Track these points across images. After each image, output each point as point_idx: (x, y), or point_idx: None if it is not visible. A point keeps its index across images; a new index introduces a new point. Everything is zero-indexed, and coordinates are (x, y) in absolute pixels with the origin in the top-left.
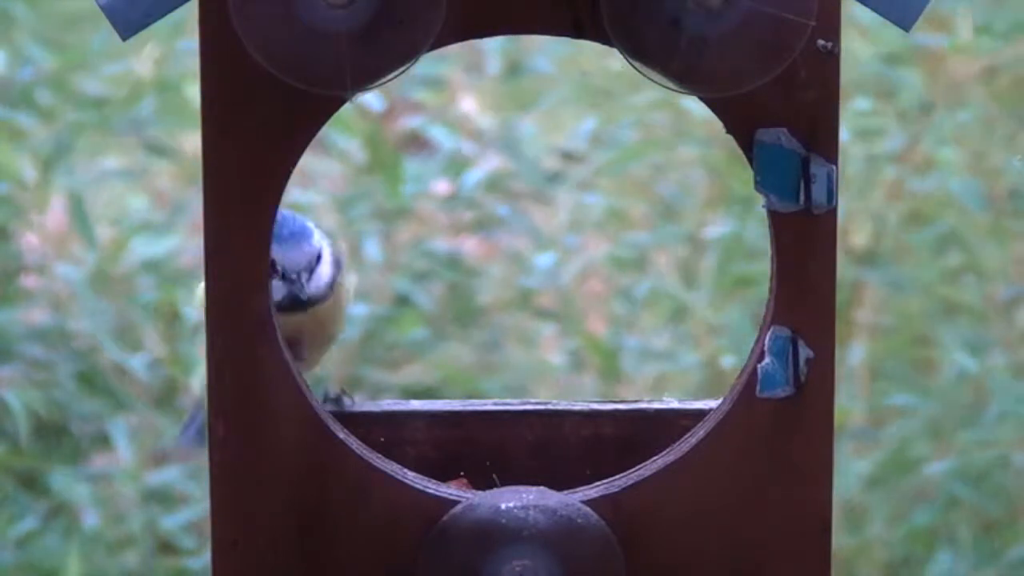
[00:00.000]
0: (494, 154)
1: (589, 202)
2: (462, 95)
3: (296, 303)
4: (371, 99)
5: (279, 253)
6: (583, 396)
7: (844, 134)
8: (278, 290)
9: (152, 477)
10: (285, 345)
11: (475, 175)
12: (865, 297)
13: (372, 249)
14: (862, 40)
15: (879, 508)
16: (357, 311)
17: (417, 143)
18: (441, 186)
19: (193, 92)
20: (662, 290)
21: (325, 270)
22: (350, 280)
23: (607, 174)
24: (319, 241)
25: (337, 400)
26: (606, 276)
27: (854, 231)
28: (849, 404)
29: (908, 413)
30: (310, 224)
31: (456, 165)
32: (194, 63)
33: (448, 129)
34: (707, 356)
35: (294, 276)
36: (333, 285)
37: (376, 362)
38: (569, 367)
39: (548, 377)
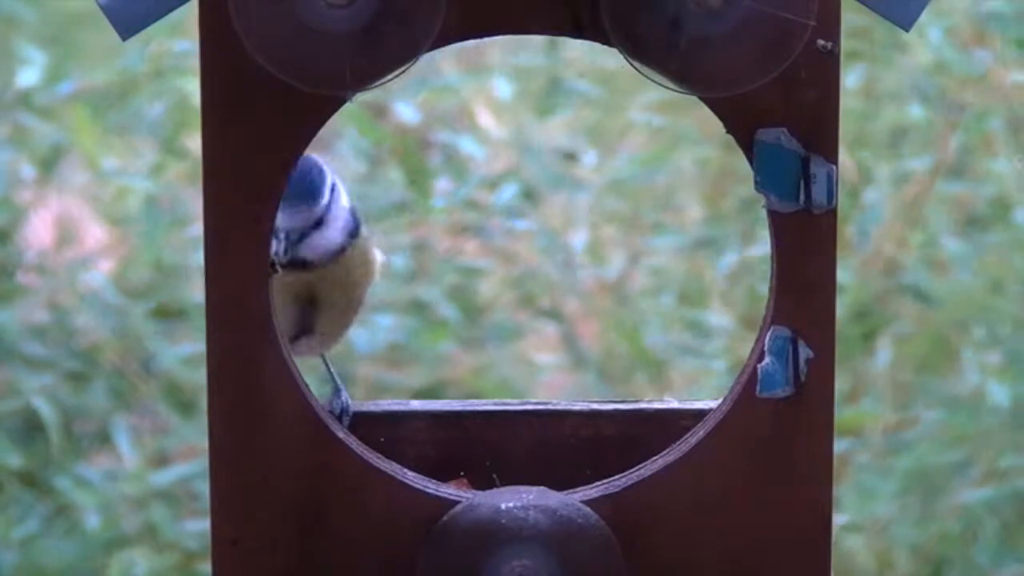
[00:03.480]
0: (512, 158)
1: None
2: (479, 102)
3: (294, 262)
4: (407, 111)
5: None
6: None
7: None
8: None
9: (155, 477)
10: (297, 314)
11: (509, 190)
12: (898, 307)
13: (398, 259)
14: (919, 49)
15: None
16: (382, 321)
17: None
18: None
19: (192, 90)
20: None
21: (333, 235)
22: (374, 254)
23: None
24: (324, 206)
25: (340, 416)
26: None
27: (893, 239)
28: (875, 412)
29: (934, 425)
30: (327, 184)
31: (487, 181)
32: (194, 63)
33: (475, 141)
34: (735, 359)
35: (281, 236)
36: (342, 251)
37: (377, 362)
38: (583, 368)
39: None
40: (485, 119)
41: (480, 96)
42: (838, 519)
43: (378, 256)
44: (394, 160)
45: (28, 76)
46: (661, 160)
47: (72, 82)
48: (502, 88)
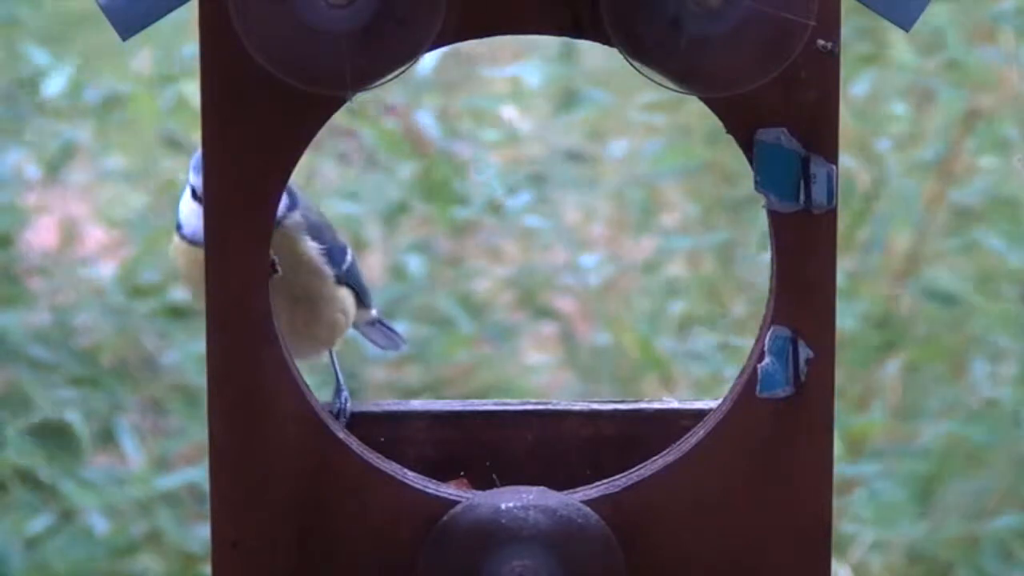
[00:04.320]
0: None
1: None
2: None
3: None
4: (428, 124)
5: None
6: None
7: (884, 142)
8: None
9: (161, 481)
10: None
11: (522, 198)
12: (903, 308)
13: (415, 265)
14: (908, 48)
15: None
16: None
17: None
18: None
19: (192, 91)
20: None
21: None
22: (303, 247)
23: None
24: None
25: (337, 414)
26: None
27: (895, 240)
28: (881, 420)
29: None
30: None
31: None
32: (194, 63)
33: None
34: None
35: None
36: None
37: (376, 362)
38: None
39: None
40: (509, 113)
41: (507, 89)
42: (865, 536)
43: (311, 251)
44: (417, 178)
45: (54, 84)
46: (680, 158)
47: (91, 87)
48: (531, 76)
